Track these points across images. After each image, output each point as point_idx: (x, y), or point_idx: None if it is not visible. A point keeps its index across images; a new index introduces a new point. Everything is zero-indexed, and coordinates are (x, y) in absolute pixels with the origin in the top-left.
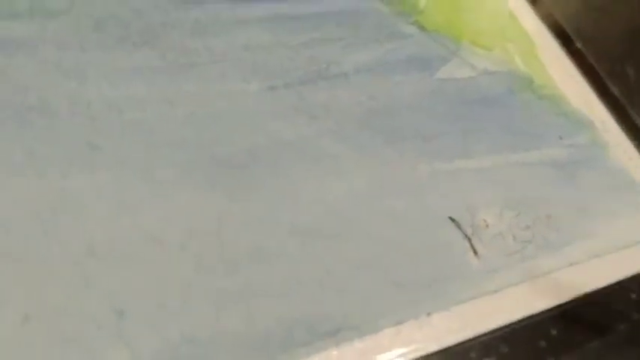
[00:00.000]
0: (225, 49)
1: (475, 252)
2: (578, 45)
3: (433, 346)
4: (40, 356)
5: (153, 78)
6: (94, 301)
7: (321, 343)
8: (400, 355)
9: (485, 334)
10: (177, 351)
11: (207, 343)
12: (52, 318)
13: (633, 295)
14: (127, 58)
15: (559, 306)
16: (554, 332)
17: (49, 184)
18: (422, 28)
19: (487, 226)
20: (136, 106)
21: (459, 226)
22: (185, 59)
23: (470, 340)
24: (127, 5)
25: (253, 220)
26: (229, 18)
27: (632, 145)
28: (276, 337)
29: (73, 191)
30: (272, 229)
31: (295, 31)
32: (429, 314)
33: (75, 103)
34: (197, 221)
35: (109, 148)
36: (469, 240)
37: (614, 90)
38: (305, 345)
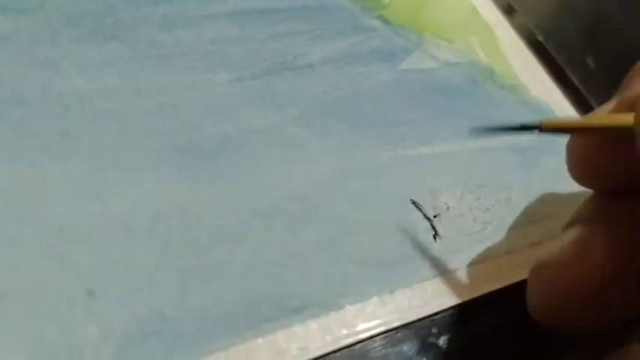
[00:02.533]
0: (193, 43)
1: (436, 233)
2: (540, 38)
3: (396, 322)
4: (16, 331)
5: (123, 70)
6: (66, 282)
7: (286, 320)
8: (364, 330)
9: (445, 310)
10: (145, 326)
11: (174, 319)
12: (26, 297)
13: None
14: (98, 51)
15: (517, 283)
16: (513, 308)
17: (23, 170)
18: (386, 21)
19: (448, 208)
20: (107, 97)
21: (420, 208)
22: (154, 52)
23: (431, 316)
24: (99, 1)
25: (218, 204)
26: (197, 13)
27: None
28: (242, 313)
29: (45, 177)
30: (236, 212)
31: (262, 25)
32: (391, 292)
33: (47, 94)
34: (164, 206)
35: (81, 137)
36: (430, 221)
37: (574, 79)
38: (270, 321)
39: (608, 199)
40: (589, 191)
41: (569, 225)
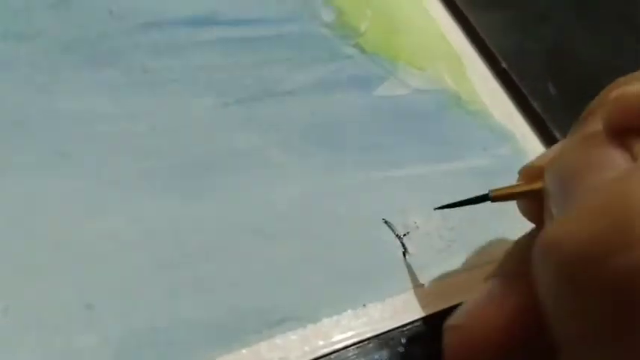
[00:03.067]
0: (182, 69)
1: (406, 250)
2: (504, 65)
3: (368, 333)
4: (19, 342)
5: (116, 94)
6: (67, 295)
7: (269, 331)
8: (339, 341)
9: (413, 322)
10: (140, 338)
11: (167, 331)
12: (29, 310)
13: None
14: (93, 76)
15: None
16: None
17: (23, 189)
18: (362, 50)
19: (417, 227)
20: (102, 120)
21: (391, 227)
22: (145, 78)
23: (401, 327)
24: (94, 30)
25: (206, 221)
26: (186, 41)
27: None
28: (229, 325)
29: (44, 196)
30: (224, 229)
31: (246, 53)
32: (364, 305)
33: (46, 116)
34: (155, 223)
35: (78, 157)
36: (400, 239)
37: (535, 105)
38: (255, 332)
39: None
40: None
41: (492, 274)
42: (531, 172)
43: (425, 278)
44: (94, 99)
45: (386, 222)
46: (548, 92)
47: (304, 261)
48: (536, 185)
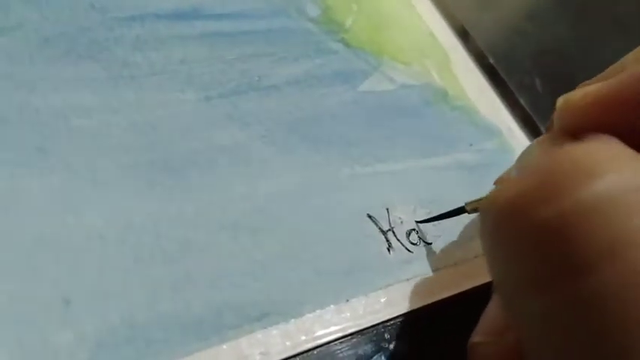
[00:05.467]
0: (164, 63)
1: (390, 245)
2: (491, 60)
3: (351, 328)
4: None
5: (97, 88)
6: (44, 290)
7: (249, 326)
8: (321, 336)
9: (396, 317)
10: (118, 333)
11: (145, 326)
12: (5, 304)
13: None
14: (73, 70)
15: (464, 292)
16: (459, 315)
17: (1, 184)
18: (347, 44)
19: (402, 222)
20: (82, 114)
21: (376, 222)
22: (126, 71)
23: (384, 322)
24: (75, 23)
25: (187, 216)
26: (168, 34)
27: None
28: (208, 320)
29: (23, 191)
30: (204, 225)
31: (229, 47)
32: (347, 300)
33: (24, 111)
34: (135, 218)
35: (57, 152)
36: (385, 235)
37: (522, 101)
38: (234, 328)
39: None
40: None
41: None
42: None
43: (409, 274)
44: (74, 93)
45: (370, 217)
46: (534, 87)
47: (287, 256)
48: None
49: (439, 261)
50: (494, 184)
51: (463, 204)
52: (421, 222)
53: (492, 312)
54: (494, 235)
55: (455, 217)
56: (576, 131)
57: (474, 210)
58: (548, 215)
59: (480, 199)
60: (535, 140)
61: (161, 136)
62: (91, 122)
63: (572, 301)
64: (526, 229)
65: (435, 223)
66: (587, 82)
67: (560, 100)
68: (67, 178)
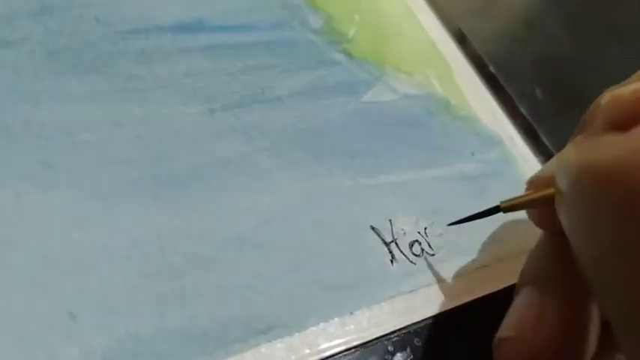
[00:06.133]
0: (168, 76)
1: (393, 257)
2: (492, 69)
3: (355, 341)
4: (2, 353)
5: (102, 102)
6: (50, 305)
7: (254, 340)
8: (325, 349)
9: (401, 329)
10: (124, 347)
11: (151, 340)
12: (11, 320)
13: None
14: (78, 84)
15: (467, 303)
16: (463, 327)
17: (6, 200)
18: (350, 55)
19: (404, 234)
20: (87, 128)
21: (379, 233)
22: (131, 85)
23: (388, 335)
24: (79, 37)
25: (192, 231)
26: (172, 47)
27: (538, 160)
28: (213, 334)
29: (28, 207)
30: (209, 239)
31: (233, 59)
32: (351, 313)
33: (29, 125)
34: (141, 233)
35: (62, 167)
36: (388, 246)
37: (523, 110)
38: (239, 341)
39: (560, 255)
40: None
41: (522, 283)
42: (538, 182)
43: (412, 285)
44: (79, 107)
45: (373, 229)
46: (535, 97)
47: (290, 269)
48: (547, 191)
49: (442, 272)
50: (527, 184)
51: (498, 203)
52: (452, 224)
53: (520, 308)
54: (601, 196)
55: (457, 228)
56: (624, 125)
57: (509, 209)
58: None
59: (515, 198)
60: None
61: (166, 149)
62: (95, 136)
63: None
64: (630, 193)
65: (439, 233)
66: (614, 87)
67: (608, 97)
68: (72, 193)
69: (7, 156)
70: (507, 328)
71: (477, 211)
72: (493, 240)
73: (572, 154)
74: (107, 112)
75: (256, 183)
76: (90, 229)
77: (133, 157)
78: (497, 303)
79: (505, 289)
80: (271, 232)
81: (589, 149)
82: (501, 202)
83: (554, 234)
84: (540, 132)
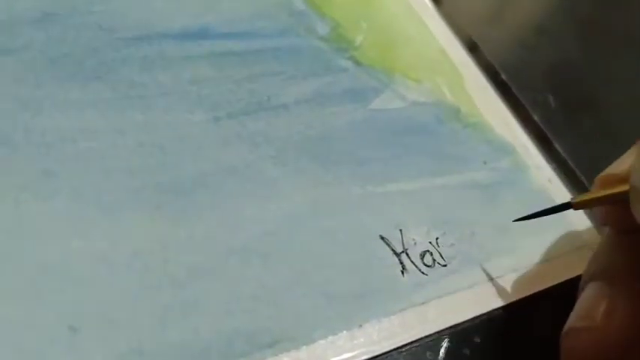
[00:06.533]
0: (172, 83)
1: (404, 267)
2: (503, 77)
3: (364, 355)
4: None
5: (104, 110)
6: (49, 318)
7: (259, 354)
8: None
9: (412, 343)
10: None
11: (153, 353)
12: (10, 333)
13: (548, 306)
14: (80, 91)
15: (480, 315)
16: (477, 340)
17: (6, 209)
18: (357, 62)
19: (415, 243)
20: (89, 136)
21: (388, 243)
22: (134, 92)
23: (399, 348)
24: (82, 44)
25: (195, 240)
26: (176, 54)
27: (551, 168)
28: (218, 347)
29: (28, 216)
30: (213, 249)
31: (238, 66)
32: (360, 326)
33: (30, 133)
34: (143, 242)
35: (63, 176)
36: (398, 257)
37: (536, 117)
38: (244, 355)
39: (627, 250)
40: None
41: (589, 278)
42: (608, 180)
43: (424, 297)
44: (81, 115)
45: (383, 238)
46: (548, 104)
47: (297, 280)
48: (622, 188)
49: (455, 283)
50: (595, 182)
51: (569, 199)
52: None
53: (590, 300)
54: None
55: (470, 239)
56: None
57: (582, 206)
58: None
59: (588, 194)
60: (634, 146)
61: (169, 157)
62: (98, 144)
63: None
64: None
65: (452, 243)
66: None
67: None
68: (73, 202)
69: (8, 164)
70: (578, 318)
71: (489, 221)
72: (506, 250)
73: None
74: (109, 120)
75: (262, 191)
76: (91, 238)
77: (135, 165)
78: (511, 315)
79: (519, 300)
80: (277, 241)
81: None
82: (572, 199)
83: (622, 231)
84: (553, 139)
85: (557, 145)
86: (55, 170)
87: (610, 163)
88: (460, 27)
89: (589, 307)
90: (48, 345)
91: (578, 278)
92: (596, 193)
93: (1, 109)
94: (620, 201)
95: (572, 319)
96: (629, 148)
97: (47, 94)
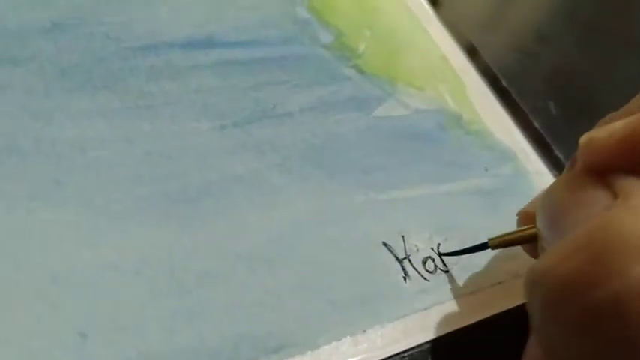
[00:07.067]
0: (179, 92)
1: (406, 273)
2: (504, 83)
3: None
4: None
5: (113, 119)
6: (59, 324)
7: (265, 359)
8: None
9: (414, 347)
10: None
11: (161, 359)
12: (21, 341)
13: None
14: (89, 101)
15: (482, 320)
16: (479, 344)
17: (17, 218)
18: (361, 71)
19: (418, 250)
20: (98, 145)
21: (391, 250)
22: (142, 101)
23: (401, 353)
24: (90, 54)
25: (202, 248)
26: (182, 64)
27: (552, 174)
28: (224, 352)
29: (38, 225)
30: (219, 256)
31: (243, 75)
32: (364, 331)
33: (41, 143)
34: (151, 250)
35: (73, 185)
36: (401, 263)
37: (536, 123)
38: None
39: None
40: None
41: None
42: (527, 217)
43: (426, 302)
44: (89, 124)
45: (386, 245)
46: (549, 110)
47: (302, 286)
48: (531, 230)
49: (456, 289)
50: (517, 216)
51: (486, 239)
52: (444, 255)
53: (532, 355)
54: (545, 312)
55: (471, 243)
56: (602, 170)
57: (498, 246)
58: (602, 297)
59: (503, 235)
60: (559, 179)
61: (176, 166)
62: (106, 153)
63: None
64: (579, 311)
65: (454, 249)
66: (610, 115)
67: (584, 139)
68: (82, 211)
69: (18, 174)
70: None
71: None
72: (507, 256)
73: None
74: (118, 129)
75: (267, 199)
76: (100, 246)
77: (143, 174)
78: (512, 320)
79: (520, 305)
80: (282, 248)
81: (545, 255)
82: (489, 239)
83: None
84: (554, 146)
85: (557, 152)
86: (64, 179)
87: None
88: (461, 34)
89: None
90: (58, 351)
91: None
92: (509, 234)
93: (11, 119)
94: (534, 239)
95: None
96: None
97: (57, 104)
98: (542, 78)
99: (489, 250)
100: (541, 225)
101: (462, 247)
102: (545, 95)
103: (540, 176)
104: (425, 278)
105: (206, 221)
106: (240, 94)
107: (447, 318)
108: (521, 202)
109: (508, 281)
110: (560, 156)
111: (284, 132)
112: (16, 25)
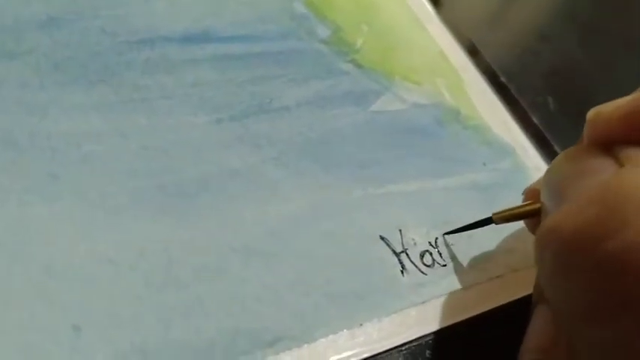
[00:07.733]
0: (175, 86)
1: (403, 267)
2: (503, 79)
3: (365, 353)
4: None
5: (108, 113)
6: (53, 318)
7: (261, 353)
8: None
9: (412, 341)
10: None
11: (156, 353)
12: (14, 332)
13: None
14: (84, 95)
15: (480, 314)
16: (477, 338)
17: (12, 212)
18: (358, 65)
19: (415, 244)
20: (93, 139)
21: (389, 244)
22: (137, 95)
23: (398, 347)
24: (86, 48)
25: (198, 241)
26: (178, 58)
27: None
28: (220, 346)
29: (33, 219)
30: (216, 250)
31: (240, 69)
32: (361, 325)
33: (36, 137)
34: (147, 243)
35: (68, 178)
36: (398, 257)
37: (535, 119)
38: (246, 354)
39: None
40: None
41: (536, 300)
42: (532, 193)
43: (423, 296)
44: (85, 118)
45: (383, 239)
46: (547, 106)
47: (298, 279)
48: (536, 204)
49: (454, 283)
50: (523, 193)
51: (491, 214)
52: (448, 233)
53: (538, 328)
54: (557, 266)
55: (469, 239)
56: (606, 143)
57: (502, 220)
58: (612, 248)
59: (507, 210)
60: (563, 153)
61: (172, 160)
62: (101, 147)
63: (634, 335)
64: (590, 262)
65: (450, 243)
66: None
67: (591, 113)
68: (78, 205)
69: (14, 167)
70: (527, 349)
71: (475, 221)
72: (505, 250)
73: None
74: (113, 123)
75: (264, 193)
76: (95, 240)
77: (139, 168)
78: (510, 314)
79: (519, 299)
80: (279, 242)
81: (557, 212)
82: (494, 214)
83: None
84: (553, 141)
85: (556, 147)
86: (59, 173)
87: None
88: (460, 30)
89: (537, 338)
90: (52, 344)
91: None
92: (514, 208)
93: (6, 113)
94: (538, 213)
95: (523, 351)
96: None
97: (52, 97)
98: (541, 75)
99: (488, 246)
100: (545, 197)
101: (459, 243)
102: (544, 92)
103: (539, 171)
104: (422, 272)
105: (202, 215)
106: (237, 88)
107: (445, 312)
108: (520, 197)
109: (506, 275)
110: (559, 151)
111: (281, 126)
112: (11, 19)
